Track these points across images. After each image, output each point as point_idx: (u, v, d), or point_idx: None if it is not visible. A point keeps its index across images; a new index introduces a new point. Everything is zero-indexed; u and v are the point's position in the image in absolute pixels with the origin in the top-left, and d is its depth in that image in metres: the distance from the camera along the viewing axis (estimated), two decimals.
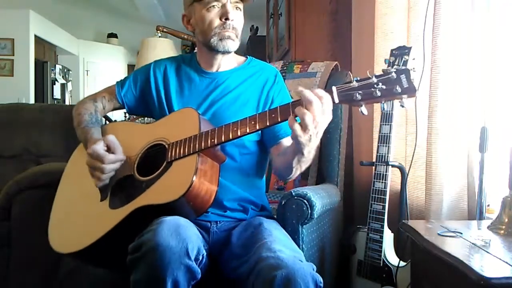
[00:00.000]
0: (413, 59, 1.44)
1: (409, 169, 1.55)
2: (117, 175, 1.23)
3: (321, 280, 1.01)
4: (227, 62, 1.39)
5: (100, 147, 1.20)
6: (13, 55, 5.98)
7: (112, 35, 8.04)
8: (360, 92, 0.98)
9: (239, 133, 1.10)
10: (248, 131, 1.10)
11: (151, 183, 1.14)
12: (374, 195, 1.53)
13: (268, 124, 1.08)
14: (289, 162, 1.18)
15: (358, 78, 0.99)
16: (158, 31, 3.39)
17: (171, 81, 1.40)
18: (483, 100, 1.45)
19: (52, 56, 7.20)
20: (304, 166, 1.19)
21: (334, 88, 1.02)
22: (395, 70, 0.96)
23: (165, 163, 1.16)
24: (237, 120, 1.12)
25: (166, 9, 6.88)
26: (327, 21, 2.69)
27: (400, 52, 1.46)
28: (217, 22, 1.28)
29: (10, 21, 5.90)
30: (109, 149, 1.22)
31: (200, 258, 1.02)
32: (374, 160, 1.57)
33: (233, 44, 1.31)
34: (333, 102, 1.01)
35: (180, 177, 1.10)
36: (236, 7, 1.30)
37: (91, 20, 7.71)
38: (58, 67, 6.90)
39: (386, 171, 1.51)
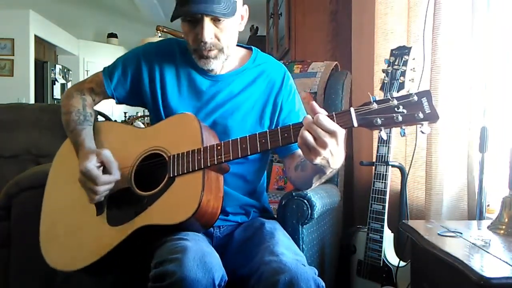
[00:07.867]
0: (413, 59, 1.44)
1: (409, 169, 1.55)
2: (113, 188, 1.16)
3: (323, 285, 1.00)
4: (228, 62, 1.26)
5: (93, 167, 1.11)
6: (13, 55, 5.99)
7: (112, 35, 8.04)
8: (380, 116, 0.92)
9: (248, 152, 1.05)
10: (258, 150, 1.04)
11: (153, 199, 1.10)
12: (374, 195, 1.52)
13: (280, 144, 1.02)
14: (309, 178, 1.14)
15: (376, 98, 0.93)
16: (158, 31, 3.40)
17: (167, 74, 1.27)
18: (483, 100, 1.45)
19: (52, 56, 7.21)
20: (325, 179, 1.15)
21: (352, 111, 0.94)
22: (416, 92, 0.90)
23: (166, 177, 1.11)
24: (245, 135, 1.06)
25: (166, 9, 6.87)
26: (327, 21, 2.68)
27: (400, 52, 1.46)
28: (192, 39, 1.16)
29: (10, 21, 5.91)
30: (103, 166, 1.13)
31: (223, 284, 0.99)
32: (374, 160, 1.56)
33: (216, 63, 1.19)
34: (352, 126, 0.94)
35: (186, 195, 1.06)
36: (216, 19, 1.13)
37: (91, 20, 7.71)
38: (58, 67, 6.91)
39: (386, 171, 1.50)
